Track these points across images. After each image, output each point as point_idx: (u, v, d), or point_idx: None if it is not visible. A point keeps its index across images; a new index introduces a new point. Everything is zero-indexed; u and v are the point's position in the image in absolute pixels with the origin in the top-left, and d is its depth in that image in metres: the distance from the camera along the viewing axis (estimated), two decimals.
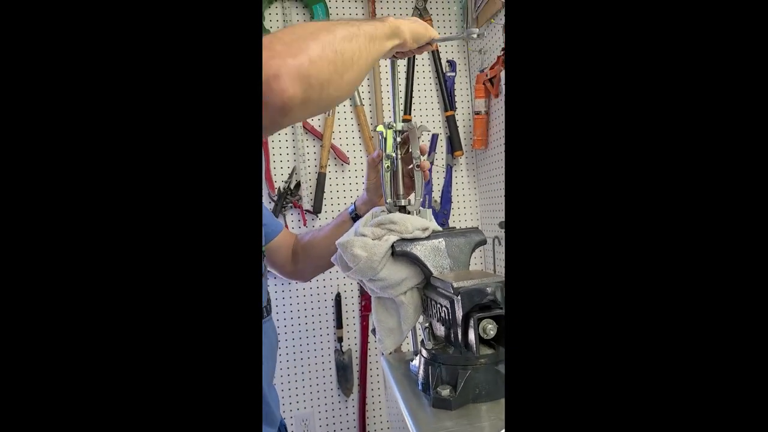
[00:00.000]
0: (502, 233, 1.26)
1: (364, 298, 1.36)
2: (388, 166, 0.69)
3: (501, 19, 1.15)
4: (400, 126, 0.69)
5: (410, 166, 0.71)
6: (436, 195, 1.40)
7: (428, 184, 1.36)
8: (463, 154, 1.39)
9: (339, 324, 1.35)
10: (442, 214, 1.38)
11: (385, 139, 0.69)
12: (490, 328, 0.51)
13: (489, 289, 0.51)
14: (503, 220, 1.24)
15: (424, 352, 0.58)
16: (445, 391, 0.52)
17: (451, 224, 1.39)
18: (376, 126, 0.69)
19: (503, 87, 1.08)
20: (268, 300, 0.76)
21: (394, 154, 0.69)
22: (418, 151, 0.70)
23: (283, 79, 0.39)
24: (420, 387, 0.58)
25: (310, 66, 0.41)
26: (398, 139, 0.69)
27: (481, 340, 0.51)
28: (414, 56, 1.29)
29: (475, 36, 0.65)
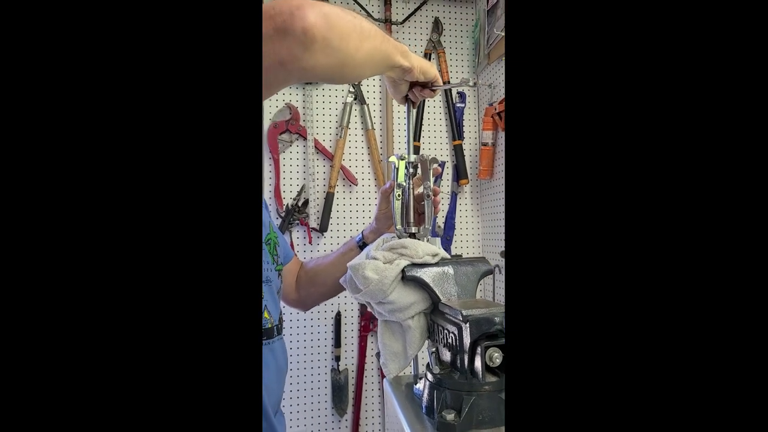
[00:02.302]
0: (503, 262, 1.28)
1: (364, 318, 1.38)
2: (399, 195, 0.72)
3: None
4: (412, 158, 0.73)
5: (422, 201, 0.74)
6: (440, 221, 1.43)
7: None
8: (468, 182, 1.42)
9: (337, 343, 1.36)
10: (444, 240, 1.41)
11: (397, 169, 0.73)
12: (497, 357, 0.53)
13: (497, 319, 0.53)
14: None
15: (429, 376, 0.60)
16: (450, 416, 0.54)
17: (453, 251, 1.42)
18: (389, 157, 0.73)
19: None
20: (281, 319, 0.77)
21: (405, 184, 0.72)
22: (430, 182, 0.73)
23: (305, 10, 0.40)
24: (424, 410, 0.60)
25: (330, 10, 0.43)
26: (410, 170, 0.73)
27: (486, 367, 0.53)
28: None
29: (471, 84, 0.70)
